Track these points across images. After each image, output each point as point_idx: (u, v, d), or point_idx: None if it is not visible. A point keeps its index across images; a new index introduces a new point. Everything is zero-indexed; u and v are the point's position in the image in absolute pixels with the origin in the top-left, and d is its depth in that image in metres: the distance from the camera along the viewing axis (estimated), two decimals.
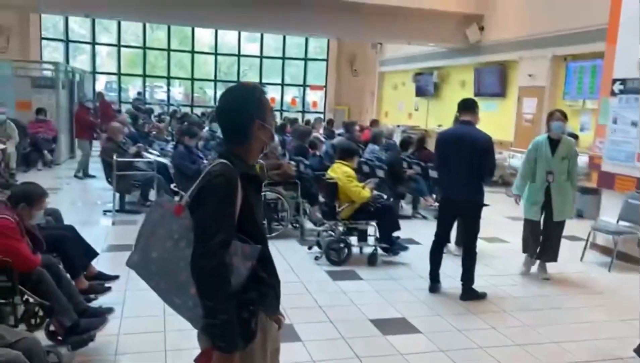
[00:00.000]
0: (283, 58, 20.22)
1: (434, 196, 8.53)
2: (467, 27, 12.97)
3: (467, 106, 4.86)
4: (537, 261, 5.69)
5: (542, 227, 5.56)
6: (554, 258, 5.58)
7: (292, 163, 7.53)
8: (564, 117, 5.41)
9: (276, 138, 7.77)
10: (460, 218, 5.16)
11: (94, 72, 18.54)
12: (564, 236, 5.61)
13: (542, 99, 10.97)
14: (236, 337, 1.82)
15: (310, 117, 17.68)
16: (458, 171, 4.75)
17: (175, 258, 1.86)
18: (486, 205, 5.68)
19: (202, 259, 1.77)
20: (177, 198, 1.94)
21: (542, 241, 5.58)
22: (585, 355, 3.91)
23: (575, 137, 8.42)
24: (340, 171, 5.75)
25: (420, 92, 15.98)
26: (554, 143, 5.37)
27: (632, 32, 6.22)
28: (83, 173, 10.30)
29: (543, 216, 5.52)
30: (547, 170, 5.37)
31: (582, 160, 9.30)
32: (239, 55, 20.07)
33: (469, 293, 4.88)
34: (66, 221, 5.01)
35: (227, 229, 1.82)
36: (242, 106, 1.97)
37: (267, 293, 2.00)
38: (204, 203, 1.84)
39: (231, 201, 1.85)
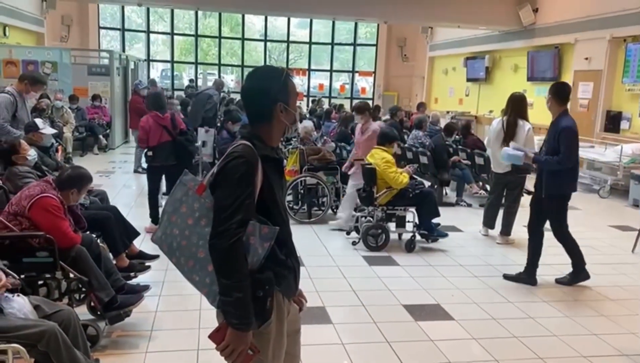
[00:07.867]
0: (332, 44, 20.12)
1: (480, 183, 8.34)
2: (520, 9, 12.51)
3: None
4: None
5: None
6: None
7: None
8: None
9: (309, 123, 7.72)
10: None
11: (148, 59, 19.05)
12: (615, 226, 5.36)
13: (599, 83, 10.48)
14: (250, 316, 1.85)
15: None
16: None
17: (195, 236, 1.90)
18: (531, 192, 5.58)
19: (219, 238, 1.80)
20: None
21: None
22: (627, 348, 3.75)
23: None
24: (378, 157, 5.70)
25: (471, 77, 15.59)
26: None
27: None
28: (141, 167, 9.13)
29: None
30: None
31: (638, 147, 8.84)
32: (288, 41, 20.13)
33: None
34: (116, 203, 5.25)
35: (245, 209, 1.83)
36: (266, 88, 1.98)
37: (285, 274, 2.01)
38: (223, 183, 1.87)
39: (250, 181, 1.86)
